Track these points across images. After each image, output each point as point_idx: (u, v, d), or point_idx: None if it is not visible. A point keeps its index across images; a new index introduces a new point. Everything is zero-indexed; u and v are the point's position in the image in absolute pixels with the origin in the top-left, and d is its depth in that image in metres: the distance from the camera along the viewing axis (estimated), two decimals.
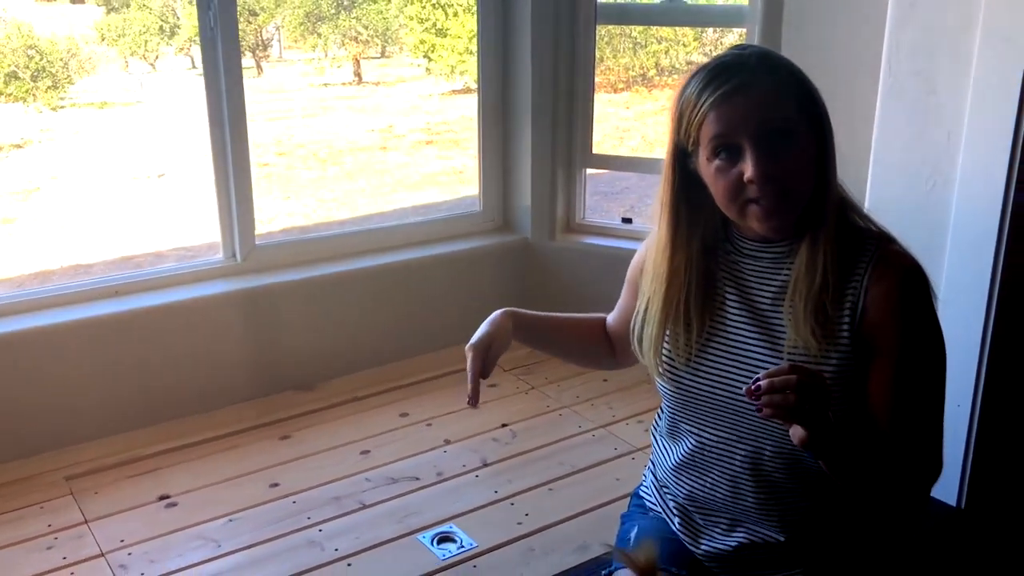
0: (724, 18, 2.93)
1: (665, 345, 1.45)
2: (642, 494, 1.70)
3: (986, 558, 2.16)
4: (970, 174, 2.05)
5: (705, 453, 1.46)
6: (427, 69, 13.93)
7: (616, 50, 11.34)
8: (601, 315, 1.71)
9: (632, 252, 1.62)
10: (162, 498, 2.32)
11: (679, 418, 1.49)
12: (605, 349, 1.69)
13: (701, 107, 1.29)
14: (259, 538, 2.16)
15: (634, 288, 1.57)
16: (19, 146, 9.73)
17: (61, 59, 12.63)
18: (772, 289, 1.37)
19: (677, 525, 1.57)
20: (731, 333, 1.39)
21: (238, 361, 2.78)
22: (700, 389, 1.43)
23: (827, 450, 1.21)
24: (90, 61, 14.29)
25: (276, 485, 2.38)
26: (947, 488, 2.23)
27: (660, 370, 1.46)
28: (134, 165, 8.81)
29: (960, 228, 2.09)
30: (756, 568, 1.49)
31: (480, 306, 3.16)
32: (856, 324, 1.31)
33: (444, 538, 2.16)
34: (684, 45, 12.49)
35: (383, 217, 6.92)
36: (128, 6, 16.37)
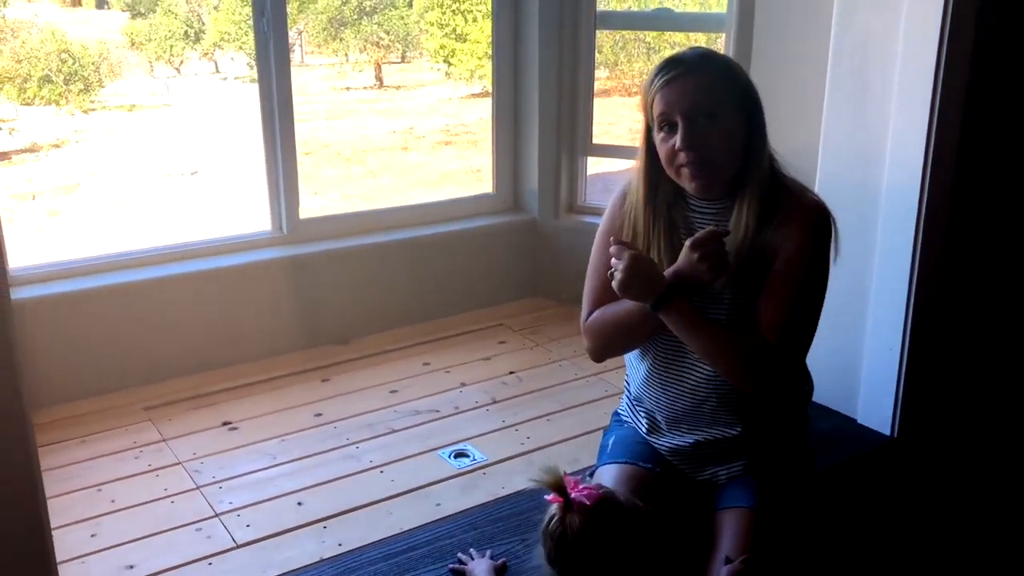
0: (705, 24, 3.41)
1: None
2: (619, 412, 2.18)
3: (918, 484, 2.61)
4: (896, 154, 2.52)
5: (664, 368, 1.92)
6: (447, 73, 14.46)
7: (630, 55, 11.82)
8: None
9: None
10: (225, 423, 2.82)
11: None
12: None
13: (653, 90, 1.77)
14: (307, 452, 2.66)
15: (605, 249, 1.94)
16: (57, 146, 10.32)
17: (93, 63, 13.20)
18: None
19: (644, 430, 2.04)
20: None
21: (284, 318, 3.28)
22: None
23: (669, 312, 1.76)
24: (119, 65, 14.88)
25: (319, 415, 2.87)
26: (881, 418, 2.69)
27: None
28: (167, 163, 9.37)
29: (890, 197, 2.56)
30: (711, 460, 1.96)
31: (492, 275, 3.69)
32: (769, 258, 1.78)
33: (460, 454, 2.64)
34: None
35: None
36: (154, 11, 16.98)
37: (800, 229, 1.78)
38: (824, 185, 2.73)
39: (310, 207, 7.85)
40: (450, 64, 14.01)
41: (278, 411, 2.90)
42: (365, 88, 14.77)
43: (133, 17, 17.84)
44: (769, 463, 1.92)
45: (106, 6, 20.49)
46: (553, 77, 3.59)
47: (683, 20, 3.65)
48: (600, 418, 2.80)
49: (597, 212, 3.71)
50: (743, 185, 1.80)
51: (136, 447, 2.69)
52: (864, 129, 2.60)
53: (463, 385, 3.08)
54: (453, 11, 13.82)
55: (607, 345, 1.96)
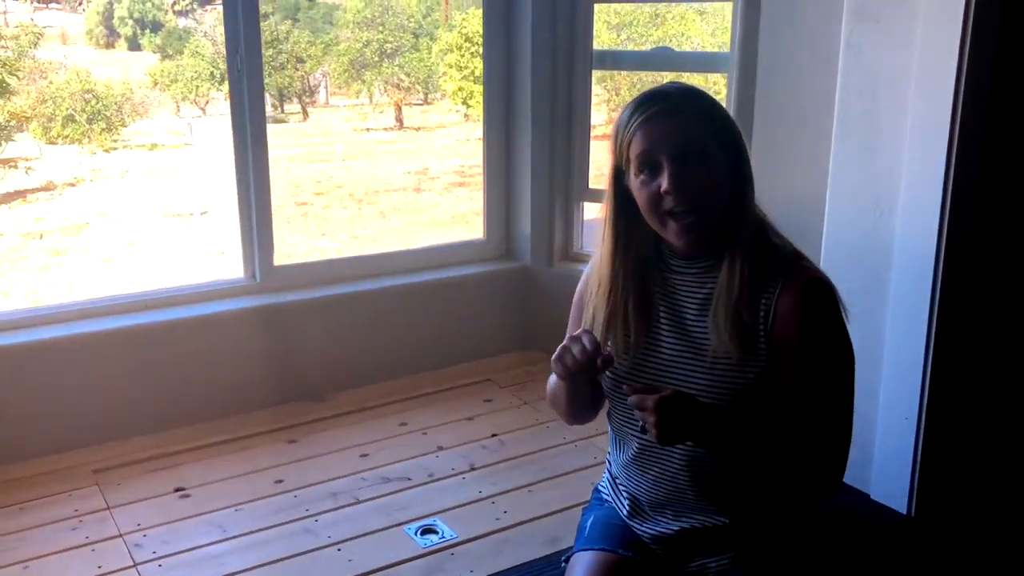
0: (706, 64, 3.18)
1: (608, 351, 1.65)
2: (600, 489, 1.91)
3: (937, 569, 2.31)
4: (910, 204, 2.26)
5: (646, 454, 1.66)
6: (465, 115, 14.39)
7: (625, 101, 11.61)
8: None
9: None
10: (178, 490, 2.58)
11: (622, 421, 1.70)
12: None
13: (630, 128, 1.52)
14: (261, 525, 2.40)
15: (580, 319, 1.72)
16: (72, 184, 10.27)
17: (115, 103, 13.26)
18: (697, 302, 1.56)
19: (626, 512, 1.77)
20: (663, 345, 1.59)
21: (254, 372, 3.04)
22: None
23: (717, 447, 1.48)
24: (142, 105, 14.96)
25: (280, 482, 2.62)
26: (896, 494, 2.40)
27: (603, 377, 1.66)
28: (179, 203, 9.27)
29: (903, 252, 2.30)
30: (697, 551, 1.68)
31: (480, 327, 3.44)
32: (768, 331, 1.51)
33: (427, 530, 2.38)
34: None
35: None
36: (181, 53, 17.13)
37: (805, 310, 1.50)
38: (831, 237, 2.47)
39: (315, 248, 7.71)
40: (468, 106, 13.96)
41: (237, 476, 2.65)
42: (385, 129, 14.75)
43: (163, 59, 18.05)
44: (764, 554, 1.64)
45: (138, 48, 20.80)
46: (546, 118, 3.37)
47: (683, 60, 3.43)
48: (587, 489, 2.48)
49: None
50: (731, 240, 1.53)
51: (77, 516, 2.45)
52: (875, 176, 2.34)
53: (440, 449, 2.82)
54: (472, 53, 13.79)
55: (562, 413, 1.76)
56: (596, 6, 3.30)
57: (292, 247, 7.46)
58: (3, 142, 9.96)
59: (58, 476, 2.64)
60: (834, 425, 1.52)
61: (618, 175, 1.56)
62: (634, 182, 1.53)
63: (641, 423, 1.45)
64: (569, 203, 3.47)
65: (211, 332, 2.96)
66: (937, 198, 2.19)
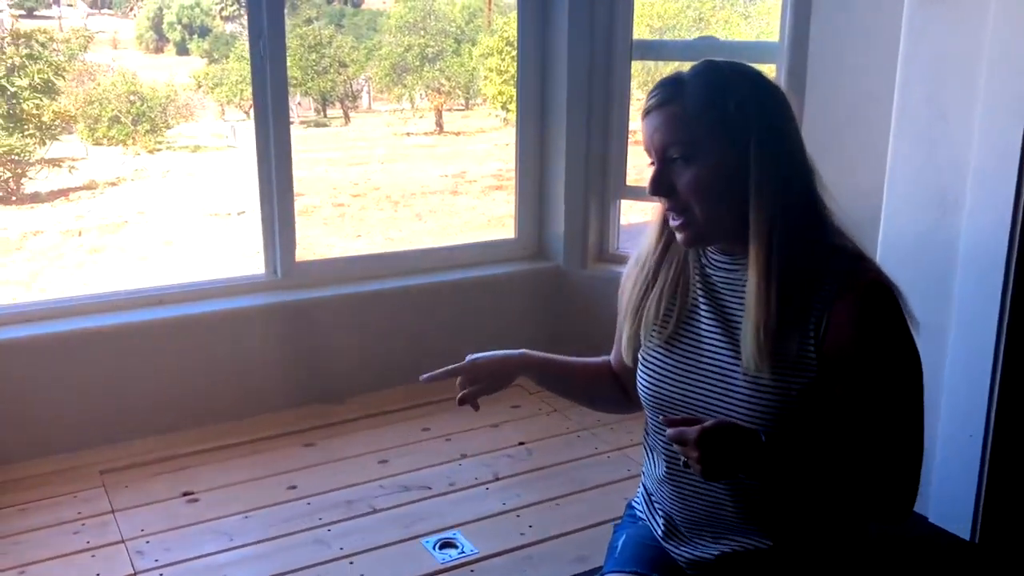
0: (754, 54, 2.97)
1: (641, 339, 1.47)
2: (634, 505, 1.72)
3: None
4: (979, 199, 2.04)
5: (678, 463, 1.48)
6: (504, 120, 14.26)
7: None
8: (606, 357, 1.70)
9: None
10: (185, 494, 2.43)
11: (654, 432, 1.52)
12: (614, 389, 1.68)
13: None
14: (270, 534, 2.24)
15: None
16: (114, 184, 10.31)
17: (160, 105, 13.37)
18: (739, 300, 1.38)
19: (661, 533, 1.59)
20: (702, 339, 1.41)
21: (272, 372, 2.90)
22: (672, 395, 1.45)
23: (768, 479, 1.28)
24: (187, 108, 15.07)
25: (294, 487, 2.46)
26: (958, 518, 2.18)
27: (638, 363, 1.48)
28: (218, 203, 9.24)
29: (970, 253, 2.08)
30: None
31: (510, 329, 3.25)
32: (820, 340, 1.31)
33: (446, 544, 2.20)
34: None
35: None
36: (227, 57, 17.24)
37: (863, 316, 1.29)
38: (889, 236, 2.25)
39: (350, 248, 7.61)
40: (508, 110, 13.82)
41: (248, 481, 2.50)
42: (425, 134, 14.70)
43: (209, 63, 18.21)
44: None
45: (186, 52, 21.04)
46: (583, 112, 3.19)
47: (728, 50, 3.22)
48: (618, 504, 2.31)
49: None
50: (754, 241, 1.33)
51: (80, 519, 2.31)
52: (938, 168, 2.13)
53: (463, 457, 2.64)
54: (512, 57, 13.64)
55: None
56: None
57: (327, 248, 7.35)
58: (48, 141, 10.03)
59: (64, 476, 2.50)
60: (902, 445, 1.32)
61: None
62: None
63: (682, 459, 1.27)
64: (605, 202, 3.29)
65: (228, 329, 2.82)
66: (1010, 192, 1.97)
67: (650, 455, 1.57)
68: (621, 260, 3.29)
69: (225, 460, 2.61)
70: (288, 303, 2.91)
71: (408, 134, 14.75)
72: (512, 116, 13.36)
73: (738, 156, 1.29)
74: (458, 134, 15.11)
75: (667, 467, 1.50)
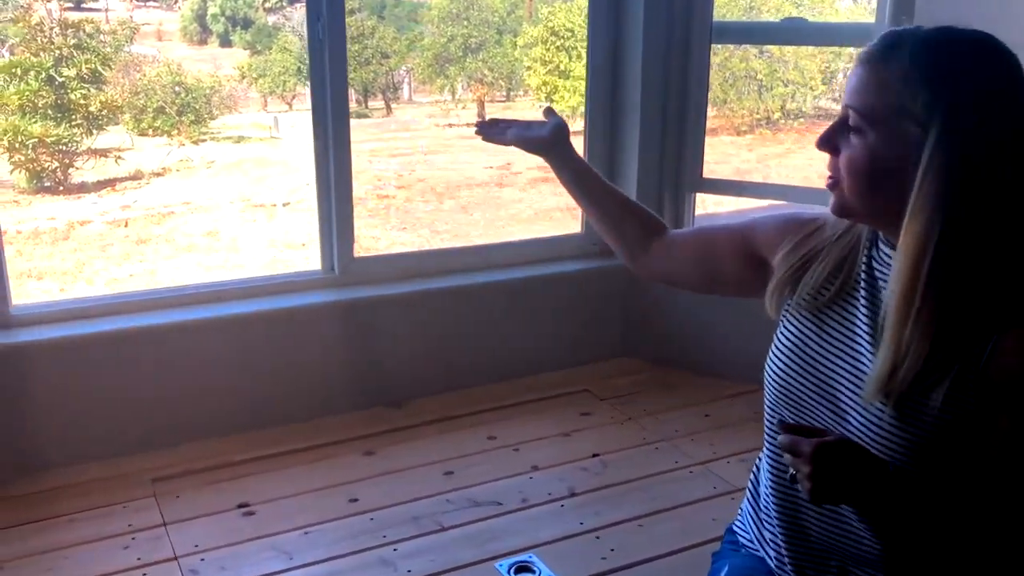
0: (848, 38, 2.73)
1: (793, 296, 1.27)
2: (736, 529, 1.52)
3: None
4: None
5: (785, 479, 1.27)
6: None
7: (740, 93, 11.11)
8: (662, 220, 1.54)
9: None
10: (241, 506, 2.26)
11: (770, 430, 1.31)
12: (640, 237, 1.48)
13: None
14: (332, 553, 2.07)
15: (744, 244, 1.37)
16: (159, 174, 10.25)
17: (204, 96, 13.35)
18: None
19: (773, 562, 1.38)
20: (852, 332, 1.20)
21: (330, 373, 2.72)
22: (801, 378, 1.24)
23: (881, 519, 1.11)
24: (231, 98, 15.05)
25: (355, 500, 2.29)
26: None
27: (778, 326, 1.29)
28: (262, 194, 9.13)
29: None
30: None
31: (577, 330, 3.06)
32: (983, 367, 1.09)
33: (522, 567, 2.01)
34: (811, 88, 12.12)
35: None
36: (270, 49, 17.20)
37: None
38: None
39: (396, 241, 7.45)
40: (553, 101, 13.59)
41: (307, 492, 2.33)
42: (467, 125, 14.51)
43: (252, 55, 18.20)
44: None
45: (229, 44, 21.09)
46: (658, 98, 2.96)
47: (818, 33, 2.98)
48: (707, 525, 2.13)
49: None
50: (900, 253, 1.11)
51: (130, 532, 2.15)
52: None
53: (534, 469, 2.45)
54: (557, 47, 13.41)
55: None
56: None
57: (372, 240, 7.20)
58: (95, 131, 9.99)
59: (115, 484, 2.35)
60: None
61: None
62: None
63: (791, 471, 1.07)
64: (680, 194, 3.06)
65: (284, 328, 2.65)
66: None
67: (767, 460, 1.36)
68: None
69: (282, 468, 2.44)
70: (346, 301, 2.73)
71: (450, 125, 14.60)
72: (557, 107, 13.18)
73: (917, 153, 1.07)
74: None
75: (771, 478, 1.29)
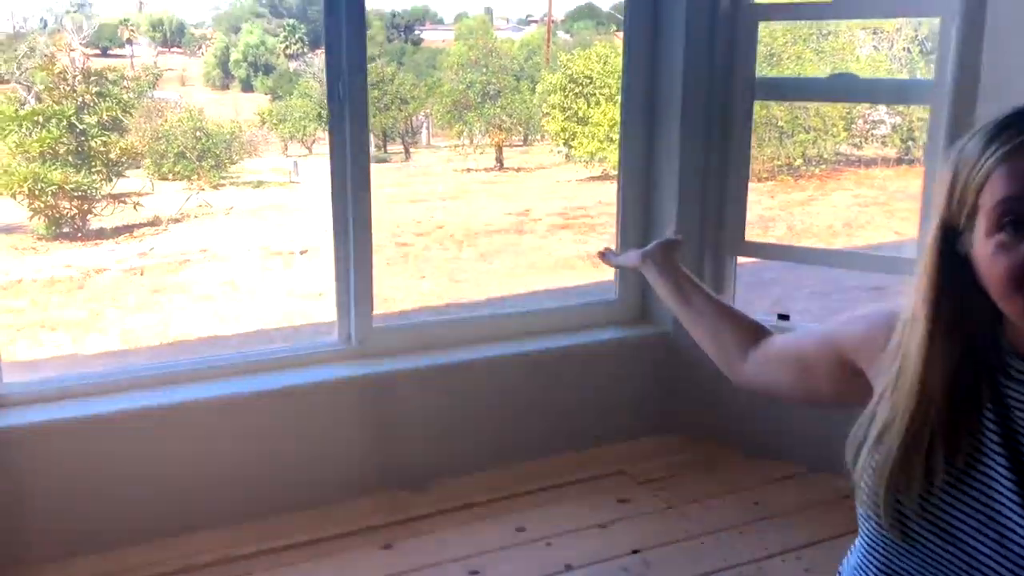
0: (903, 94, 2.52)
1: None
2: None
3: None
4: None
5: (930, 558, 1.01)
6: (567, 156, 13.91)
7: (761, 139, 10.92)
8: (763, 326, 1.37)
9: None
10: None
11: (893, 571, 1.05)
12: (738, 344, 1.34)
13: (984, 164, 0.89)
14: None
15: (834, 354, 1.16)
16: (177, 220, 10.13)
17: (224, 141, 13.34)
18: None
19: None
20: (984, 480, 0.95)
21: (345, 453, 2.49)
22: (929, 545, 0.99)
23: None
24: (251, 143, 15.06)
25: None
26: None
27: (883, 511, 1.01)
28: (280, 241, 8.97)
29: None
30: None
31: (611, 405, 2.82)
32: None
33: None
34: (833, 136, 11.93)
35: (514, 301, 6.67)
36: (291, 94, 17.27)
37: None
38: None
39: (414, 291, 7.24)
40: (571, 147, 13.48)
41: None
42: (485, 170, 14.41)
43: (273, 99, 18.29)
44: None
45: (251, 89, 21.23)
46: (697, 156, 2.75)
47: (871, 90, 2.76)
48: None
49: None
50: None
51: None
52: None
53: (568, 568, 2.19)
54: (576, 94, 13.32)
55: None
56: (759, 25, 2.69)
57: (392, 290, 6.99)
58: (114, 178, 9.90)
59: None
60: None
61: (948, 234, 0.94)
62: (983, 245, 0.90)
63: None
64: (721, 257, 2.84)
65: (297, 406, 2.42)
66: None
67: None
68: None
69: (290, 564, 2.19)
70: (363, 376, 2.51)
71: (468, 170, 14.53)
72: (575, 152, 13.00)
73: None
74: (518, 170, 14.84)
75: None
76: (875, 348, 1.10)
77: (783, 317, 2.83)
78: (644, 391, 2.83)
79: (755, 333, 1.33)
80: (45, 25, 17.58)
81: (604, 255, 1.65)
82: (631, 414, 2.83)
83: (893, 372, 1.02)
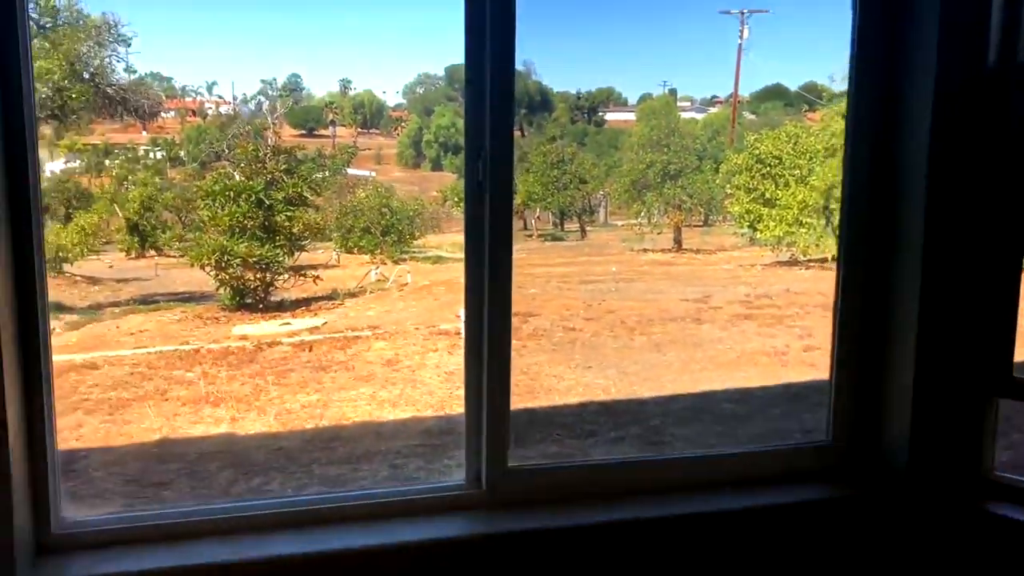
0: None
1: None
2: None
3: None
4: None
5: None
6: (751, 239, 12.98)
7: None
8: None
9: None
10: None
11: None
12: None
13: None
14: None
15: None
16: (354, 295, 10.08)
17: (408, 217, 13.47)
18: None
19: None
20: None
21: None
22: None
23: None
24: (433, 219, 15.22)
25: None
26: None
27: None
28: (447, 319, 8.65)
29: None
30: None
31: None
32: None
33: None
34: None
35: (686, 399, 5.89)
36: None
37: None
38: None
39: (580, 382, 6.63)
40: (755, 230, 12.57)
41: None
42: (663, 251, 13.72)
43: (459, 178, 18.62)
44: None
45: (440, 168, 21.87)
46: (946, 262, 2.00)
47: None
48: None
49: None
50: None
51: None
52: None
53: None
54: (763, 175, 12.46)
55: None
56: None
57: (553, 379, 6.40)
58: (296, 252, 10.02)
59: None
60: None
61: None
62: None
63: None
64: (977, 401, 2.04)
65: (408, 566, 1.85)
66: None
67: None
68: (1006, 493, 2.01)
69: None
70: (490, 534, 1.90)
71: (645, 250, 13.93)
72: (762, 236, 12.05)
73: None
74: (697, 251, 14.09)
75: None
76: None
77: None
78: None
79: None
80: (260, 107, 18.77)
81: None
82: None
83: None
